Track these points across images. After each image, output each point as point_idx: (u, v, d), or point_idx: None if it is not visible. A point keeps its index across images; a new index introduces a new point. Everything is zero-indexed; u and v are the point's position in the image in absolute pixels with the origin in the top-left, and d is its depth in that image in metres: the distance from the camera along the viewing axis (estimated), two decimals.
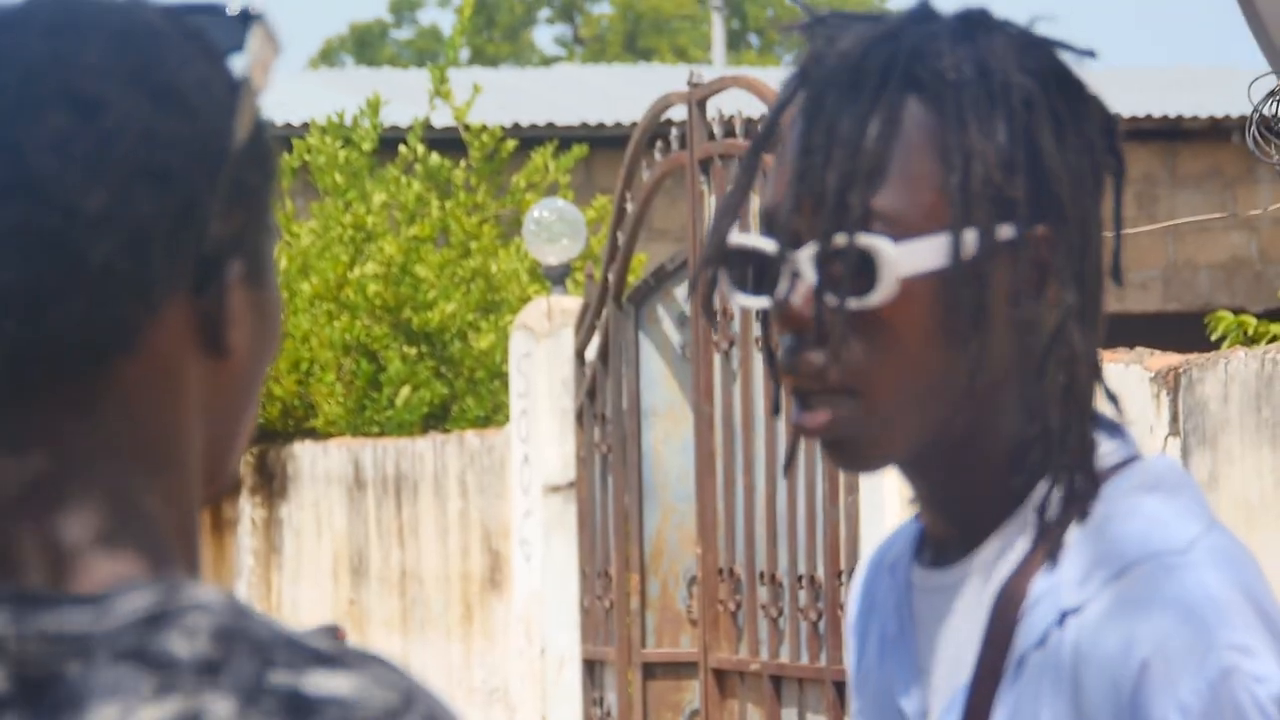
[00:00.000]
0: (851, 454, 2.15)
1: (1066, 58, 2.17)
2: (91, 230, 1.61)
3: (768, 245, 2.10)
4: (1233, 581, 2.05)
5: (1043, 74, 2.13)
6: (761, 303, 2.12)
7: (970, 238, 2.08)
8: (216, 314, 1.65)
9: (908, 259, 2.07)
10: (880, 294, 2.06)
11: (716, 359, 9.49)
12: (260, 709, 1.57)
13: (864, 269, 2.06)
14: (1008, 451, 2.14)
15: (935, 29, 2.12)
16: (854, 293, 2.06)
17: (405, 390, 14.42)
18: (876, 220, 2.07)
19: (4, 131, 1.63)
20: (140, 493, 1.64)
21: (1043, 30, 2.18)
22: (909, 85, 2.10)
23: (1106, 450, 2.16)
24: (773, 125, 2.17)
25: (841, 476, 8.44)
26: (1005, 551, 2.13)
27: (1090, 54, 2.19)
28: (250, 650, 1.59)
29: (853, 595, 2.36)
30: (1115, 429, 2.19)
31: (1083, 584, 2.08)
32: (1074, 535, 2.10)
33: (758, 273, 2.12)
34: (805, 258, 2.08)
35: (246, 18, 1.70)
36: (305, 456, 13.71)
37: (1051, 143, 2.11)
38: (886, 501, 8.08)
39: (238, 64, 1.69)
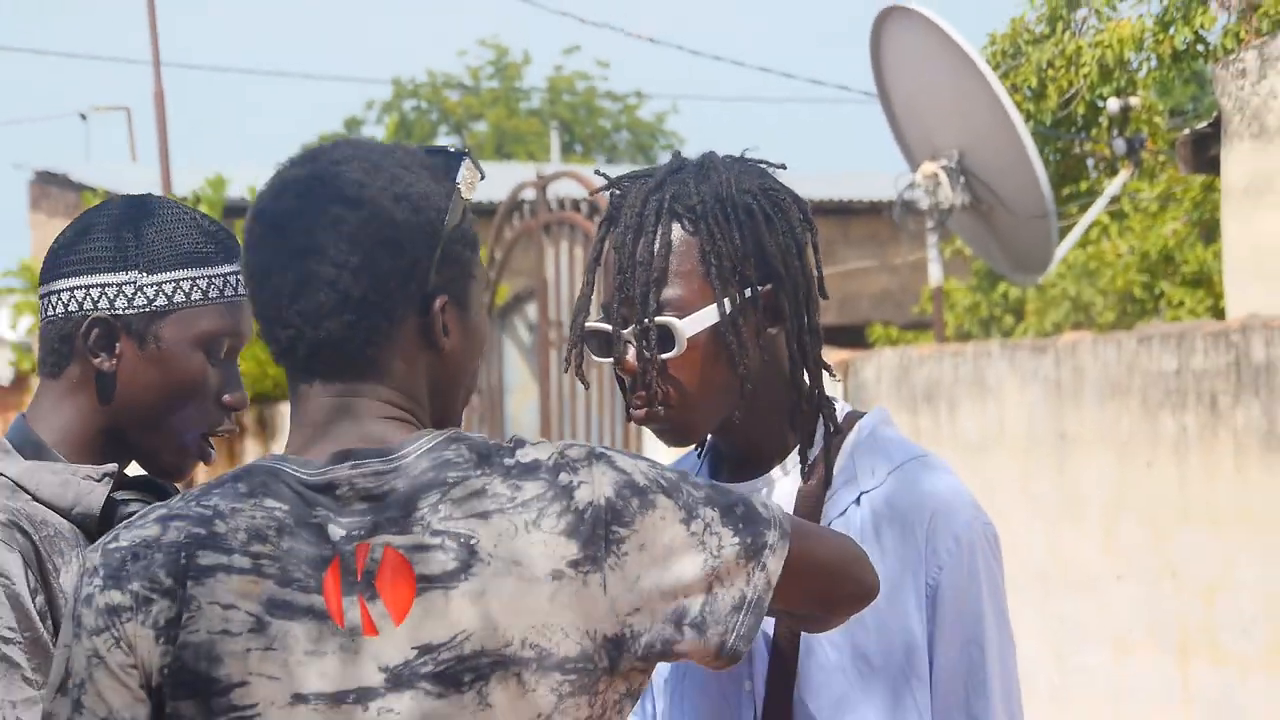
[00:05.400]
0: (671, 437, 2.27)
1: (768, 170, 2.32)
2: (352, 276, 1.82)
3: (607, 327, 2.25)
4: (953, 474, 2.29)
5: (754, 190, 2.26)
6: (609, 361, 2.26)
7: (726, 304, 2.21)
8: (432, 328, 1.86)
9: (691, 326, 2.21)
10: (677, 350, 2.21)
11: (553, 354, 9.51)
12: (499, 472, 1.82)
13: (665, 338, 2.21)
14: (778, 419, 2.28)
15: (684, 175, 2.26)
16: (662, 352, 2.21)
17: None
18: (667, 306, 2.22)
19: (303, 220, 1.83)
20: (394, 408, 1.84)
21: (752, 154, 2.34)
22: (673, 218, 2.24)
23: (842, 406, 2.33)
24: (598, 251, 2.29)
25: (631, 425, 8.46)
26: (787, 470, 2.29)
27: (782, 166, 2.34)
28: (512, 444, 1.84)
29: None
30: (834, 398, 2.36)
31: (872, 476, 2.26)
32: (854, 451, 2.29)
33: (604, 343, 2.26)
34: (629, 333, 2.23)
35: (459, 156, 1.94)
36: (289, 413, 13.61)
37: (766, 234, 2.24)
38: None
39: (455, 181, 1.92)
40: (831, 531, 1.99)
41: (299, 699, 1.74)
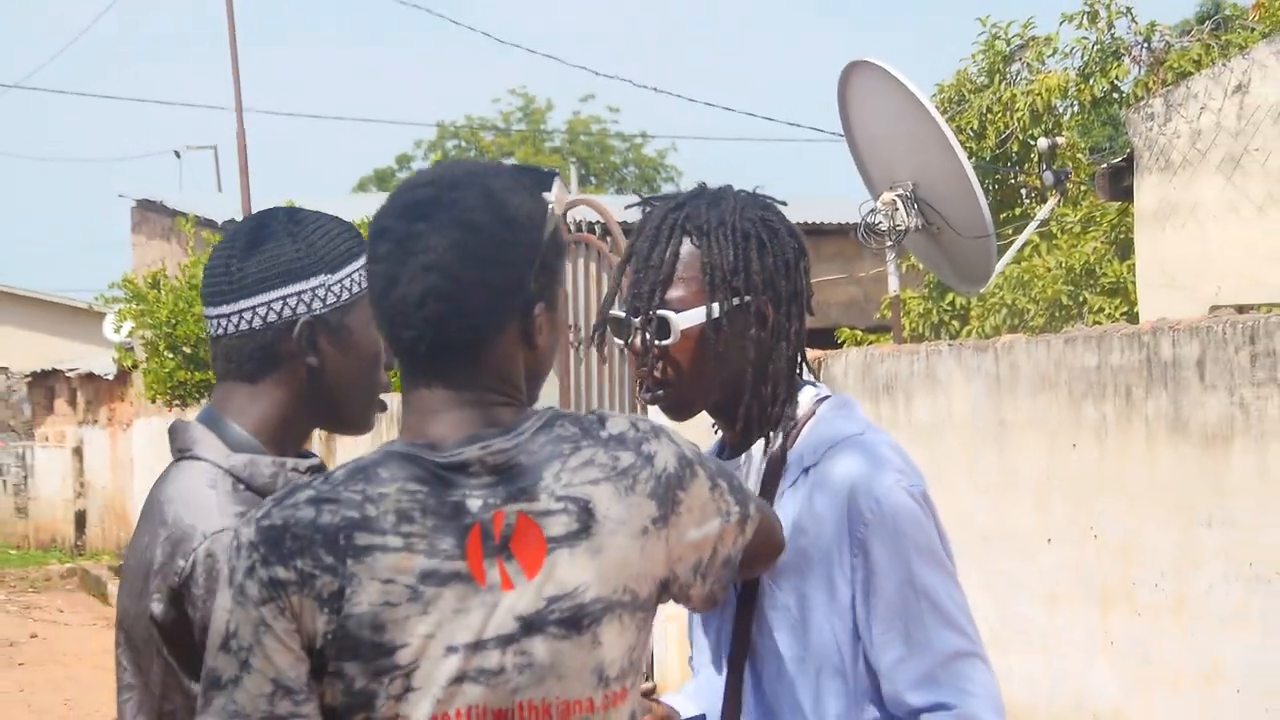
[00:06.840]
0: (672, 413, 2.32)
1: (771, 204, 2.37)
2: (470, 290, 1.78)
3: (623, 314, 2.30)
4: (887, 446, 2.28)
5: (755, 218, 2.31)
6: (622, 344, 2.31)
7: (714, 308, 2.26)
8: (530, 330, 1.82)
9: (684, 321, 2.26)
10: (671, 339, 2.26)
11: (571, 352, 9.49)
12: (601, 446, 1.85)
13: (663, 328, 2.27)
14: (760, 405, 2.31)
15: (700, 200, 2.31)
16: (661, 339, 2.27)
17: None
18: (669, 304, 2.27)
19: (426, 240, 1.77)
20: (501, 395, 1.83)
21: (761, 190, 2.39)
22: (685, 233, 2.29)
23: (816, 393, 2.35)
24: (628, 255, 2.32)
25: (639, 407, 8.43)
26: (764, 448, 2.32)
27: (783, 202, 2.38)
28: (597, 419, 1.88)
29: None
30: (815, 383, 2.39)
31: (814, 454, 2.28)
32: (809, 432, 2.31)
33: (619, 327, 2.31)
34: (637, 322, 2.28)
35: (551, 175, 1.87)
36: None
37: (757, 255, 2.29)
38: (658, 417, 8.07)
39: (547, 197, 1.86)
40: (766, 503, 2.07)
41: (450, 650, 1.74)
